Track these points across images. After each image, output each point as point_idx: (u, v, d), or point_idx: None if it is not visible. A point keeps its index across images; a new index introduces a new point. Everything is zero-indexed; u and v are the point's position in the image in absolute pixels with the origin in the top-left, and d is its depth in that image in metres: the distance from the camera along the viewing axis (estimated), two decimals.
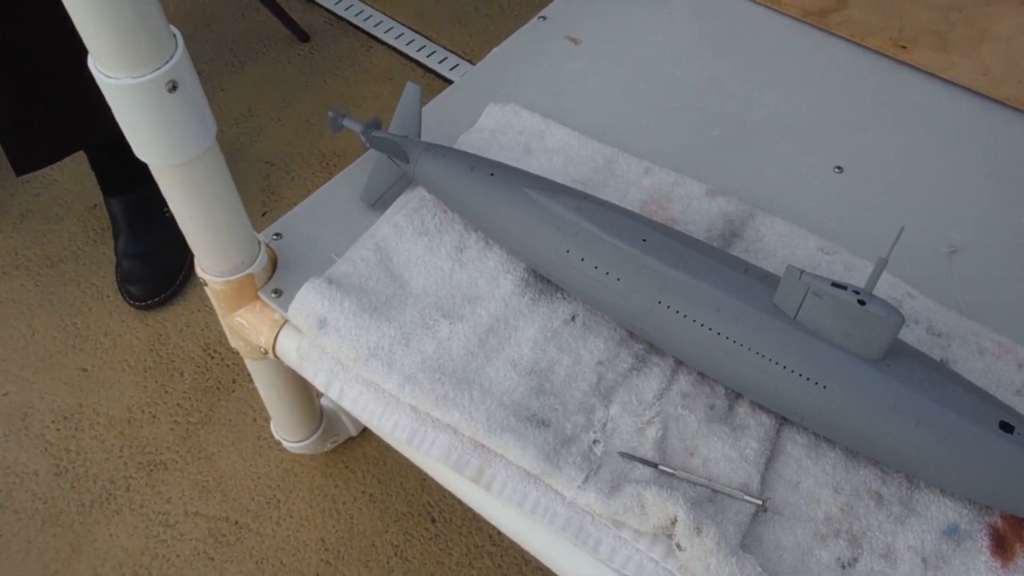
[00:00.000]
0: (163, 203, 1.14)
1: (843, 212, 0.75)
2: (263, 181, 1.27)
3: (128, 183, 1.14)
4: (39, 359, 1.11)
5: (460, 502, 0.93)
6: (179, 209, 0.63)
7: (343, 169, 0.79)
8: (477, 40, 1.47)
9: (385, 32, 1.48)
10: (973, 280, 0.71)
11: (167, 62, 0.52)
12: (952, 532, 0.57)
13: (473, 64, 1.43)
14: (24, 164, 1.02)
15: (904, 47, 0.84)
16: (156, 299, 1.13)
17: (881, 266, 0.53)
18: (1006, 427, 0.54)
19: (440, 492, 0.96)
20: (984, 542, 0.56)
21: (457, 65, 1.42)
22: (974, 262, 0.72)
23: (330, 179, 1.12)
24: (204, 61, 1.45)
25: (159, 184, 0.61)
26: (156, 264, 1.14)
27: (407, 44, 1.46)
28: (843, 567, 0.56)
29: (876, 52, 0.87)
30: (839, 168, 0.79)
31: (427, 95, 1.37)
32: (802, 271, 0.55)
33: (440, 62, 1.43)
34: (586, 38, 0.90)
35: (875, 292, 0.68)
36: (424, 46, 1.45)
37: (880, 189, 0.77)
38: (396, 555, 0.92)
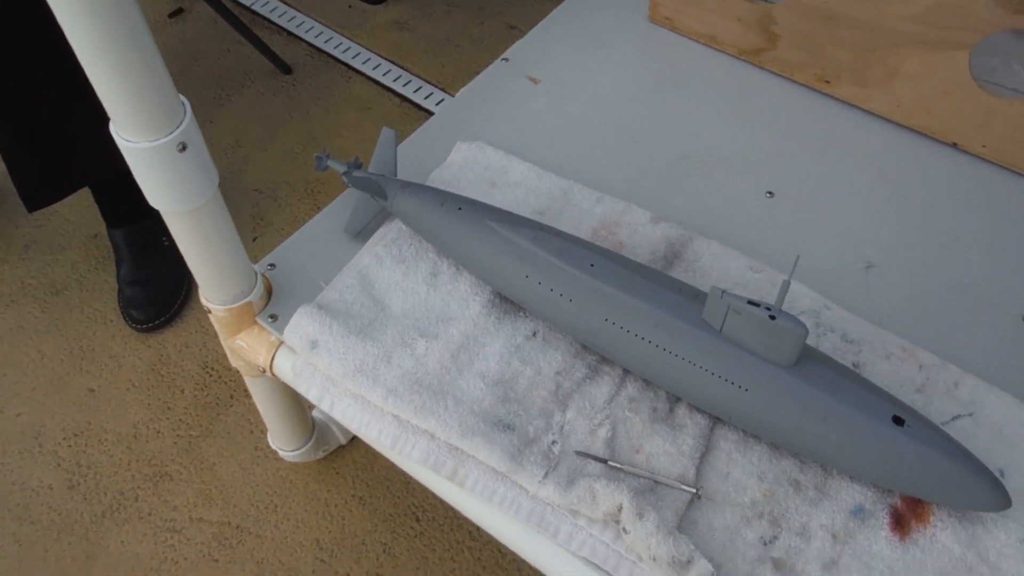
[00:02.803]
0: (162, 233, 1.23)
1: (773, 233, 0.85)
2: (252, 208, 1.36)
3: (130, 215, 1.23)
4: (48, 381, 1.19)
5: (442, 502, 1.02)
6: (186, 248, 0.72)
7: (326, 196, 0.88)
8: (450, 70, 1.56)
9: (363, 63, 1.57)
10: (886, 293, 0.80)
11: (178, 127, 0.61)
12: (858, 512, 0.66)
13: (446, 92, 1.52)
14: (36, 201, 1.11)
15: (828, 82, 0.94)
16: (157, 322, 1.21)
17: (785, 287, 0.62)
18: (898, 420, 0.63)
19: (423, 494, 1.05)
20: (885, 520, 0.66)
21: (431, 94, 1.51)
22: (888, 276, 0.82)
23: (315, 205, 1.21)
24: (193, 95, 1.52)
25: (169, 227, 0.70)
26: (156, 290, 1.22)
27: (384, 74, 1.55)
28: (765, 544, 0.65)
29: (804, 86, 0.97)
30: (770, 193, 0.89)
31: (403, 122, 1.47)
32: (723, 291, 0.65)
33: (415, 91, 1.52)
34: (545, 78, 1.00)
35: (799, 305, 0.78)
36: (400, 76, 1.55)
37: (806, 211, 0.87)
38: (385, 552, 1.01)
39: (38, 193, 1.11)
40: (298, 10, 1.69)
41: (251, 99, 1.53)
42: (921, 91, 0.88)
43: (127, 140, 0.61)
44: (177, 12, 1.66)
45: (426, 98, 1.50)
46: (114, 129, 0.61)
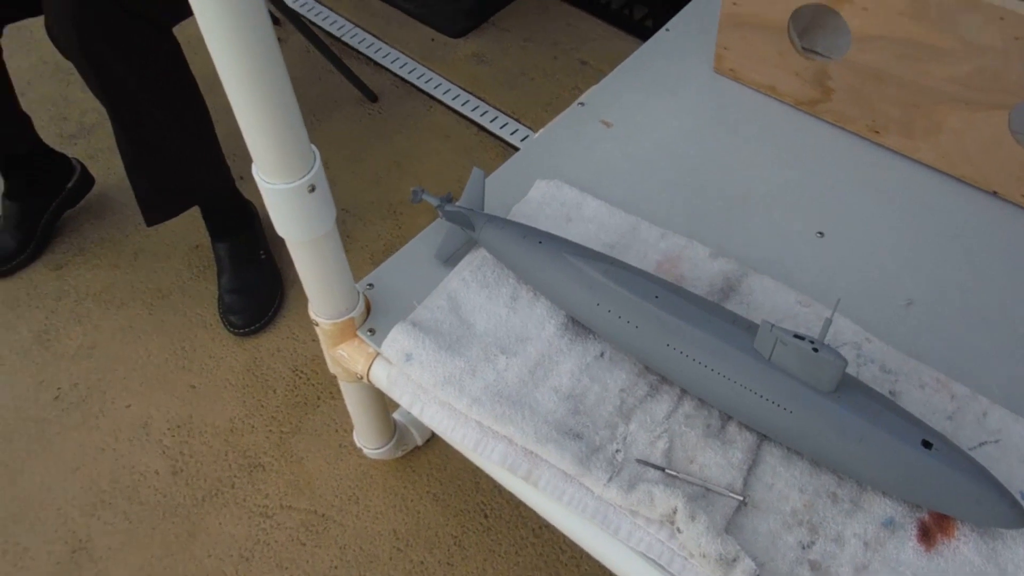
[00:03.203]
0: (259, 248, 1.36)
1: (822, 270, 0.93)
2: (340, 226, 1.45)
3: (232, 230, 1.36)
4: (154, 377, 1.32)
5: (508, 501, 1.13)
6: (304, 270, 0.83)
7: (408, 216, 0.99)
8: (523, 101, 1.67)
9: (444, 93, 1.69)
10: (924, 328, 0.88)
11: (309, 172, 0.73)
12: (888, 523, 0.75)
13: (520, 123, 1.62)
14: (155, 217, 1.25)
15: (878, 132, 1.02)
16: (253, 328, 1.34)
17: (827, 325, 0.71)
18: (927, 444, 0.71)
19: (491, 492, 1.15)
20: (913, 532, 0.74)
21: (506, 124, 1.62)
22: (926, 313, 0.89)
23: (397, 225, 1.31)
24: None
25: (292, 253, 0.82)
26: (253, 298, 1.35)
27: (463, 104, 1.66)
28: (803, 548, 0.74)
29: (856, 135, 1.05)
30: (821, 233, 0.97)
31: (480, 150, 1.59)
32: (773, 325, 0.74)
33: (492, 121, 1.63)
34: (616, 122, 1.09)
35: (842, 337, 0.86)
36: (477, 106, 1.66)
37: (853, 251, 0.95)
38: (455, 544, 1.12)
39: (157, 211, 1.25)
40: (384, 42, 1.81)
41: (340, 124, 1.66)
42: (964, 144, 0.96)
43: (267, 182, 0.72)
44: None
45: (501, 128, 1.61)
46: (256, 172, 0.73)
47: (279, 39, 0.64)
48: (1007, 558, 0.72)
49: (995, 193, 0.98)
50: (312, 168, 0.73)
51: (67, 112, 1.73)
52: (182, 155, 1.21)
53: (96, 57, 1.09)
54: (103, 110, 1.16)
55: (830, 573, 0.72)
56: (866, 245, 0.96)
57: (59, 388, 1.31)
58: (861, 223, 0.98)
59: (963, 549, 0.73)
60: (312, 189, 0.73)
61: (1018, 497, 0.74)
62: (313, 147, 0.74)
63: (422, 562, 1.10)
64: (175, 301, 1.41)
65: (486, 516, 1.14)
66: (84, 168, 1.50)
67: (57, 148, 1.49)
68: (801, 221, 0.98)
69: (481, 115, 1.64)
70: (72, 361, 1.34)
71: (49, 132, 1.67)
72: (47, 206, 1.46)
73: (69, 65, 1.15)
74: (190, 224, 1.48)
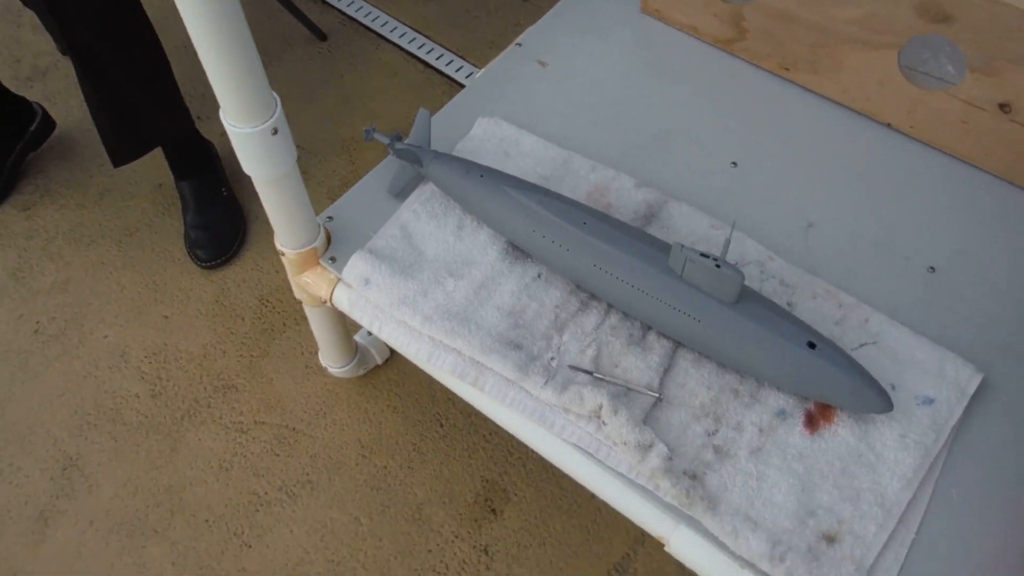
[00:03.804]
0: (221, 185, 1.44)
1: (734, 197, 1.05)
2: (297, 163, 1.56)
3: (196, 169, 1.44)
4: (129, 309, 1.41)
5: (461, 411, 1.25)
6: (269, 205, 0.93)
7: (359, 152, 1.07)
8: (469, 39, 1.74)
9: (391, 31, 1.75)
10: (821, 247, 1.00)
11: (272, 116, 0.81)
12: (780, 413, 0.88)
13: (465, 60, 1.70)
14: (121, 158, 1.32)
15: (787, 69, 1.13)
16: (219, 261, 1.43)
17: (727, 245, 0.83)
18: (811, 345, 0.84)
19: (446, 404, 1.27)
20: (800, 419, 0.87)
21: (452, 61, 1.70)
22: (824, 234, 1.01)
23: (350, 161, 1.39)
24: None
25: (258, 190, 0.91)
26: (217, 233, 1.43)
27: (410, 42, 1.73)
28: (708, 435, 0.86)
29: (768, 72, 1.16)
30: (734, 163, 1.08)
31: (427, 87, 1.66)
32: (683, 245, 0.85)
33: (438, 58, 1.70)
34: (552, 62, 1.18)
35: (748, 256, 0.98)
36: (424, 44, 1.73)
37: (763, 179, 1.07)
38: (414, 450, 1.24)
39: (123, 153, 1.32)
40: None
41: (291, 64, 1.72)
42: (861, 80, 1.07)
43: (234, 126, 0.81)
44: None
45: (447, 65, 1.69)
46: (224, 117, 0.81)
47: None
48: (875, 438, 0.86)
49: (889, 125, 1.10)
50: (274, 113, 0.82)
51: (20, 54, 1.76)
52: (144, 98, 1.28)
53: (59, 6, 1.15)
54: (56, 52, 1.22)
55: (730, 455, 0.85)
56: (774, 174, 1.07)
57: (38, 322, 1.39)
58: (771, 154, 1.09)
59: (841, 432, 0.86)
60: (275, 132, 0.82)
61: (888, 389, 0.87)
62: (274, 94, 0.82)
63: (385, 467, 1.23)
64: (143, 238, 1.49)
65: (441, 425, 1.26)
66: (45, 111, 1.55)
67: (14, 91, 1.53)
68: (717, 152, 1.09)
69: (427, 53, 1.71)
70: (48, 296, 1.42)
71: (4, 75, 1.70)
72: (11, 149, 1.52)
73: (18, 5, 1.19)
74: (152, 164, 1.54)
